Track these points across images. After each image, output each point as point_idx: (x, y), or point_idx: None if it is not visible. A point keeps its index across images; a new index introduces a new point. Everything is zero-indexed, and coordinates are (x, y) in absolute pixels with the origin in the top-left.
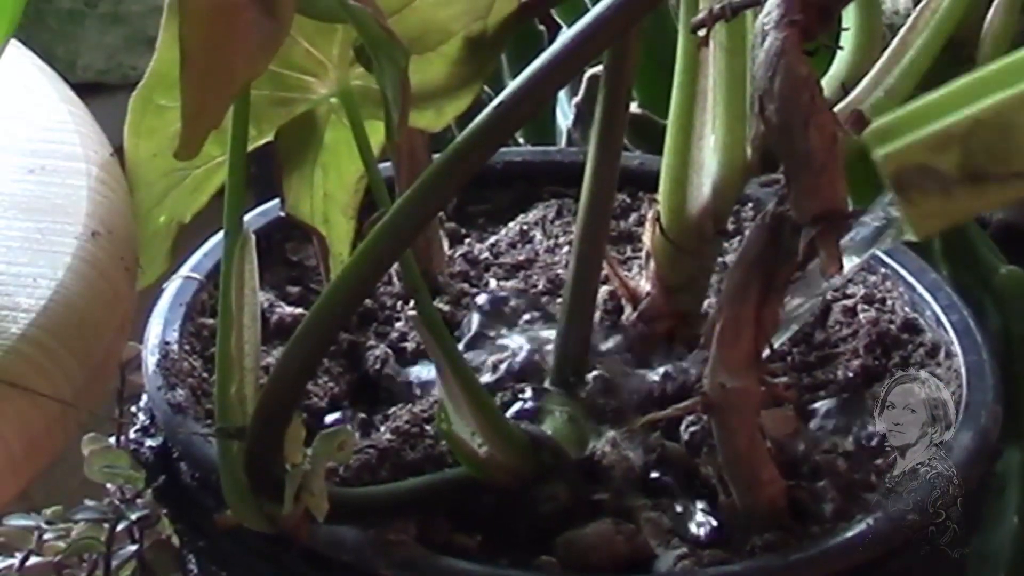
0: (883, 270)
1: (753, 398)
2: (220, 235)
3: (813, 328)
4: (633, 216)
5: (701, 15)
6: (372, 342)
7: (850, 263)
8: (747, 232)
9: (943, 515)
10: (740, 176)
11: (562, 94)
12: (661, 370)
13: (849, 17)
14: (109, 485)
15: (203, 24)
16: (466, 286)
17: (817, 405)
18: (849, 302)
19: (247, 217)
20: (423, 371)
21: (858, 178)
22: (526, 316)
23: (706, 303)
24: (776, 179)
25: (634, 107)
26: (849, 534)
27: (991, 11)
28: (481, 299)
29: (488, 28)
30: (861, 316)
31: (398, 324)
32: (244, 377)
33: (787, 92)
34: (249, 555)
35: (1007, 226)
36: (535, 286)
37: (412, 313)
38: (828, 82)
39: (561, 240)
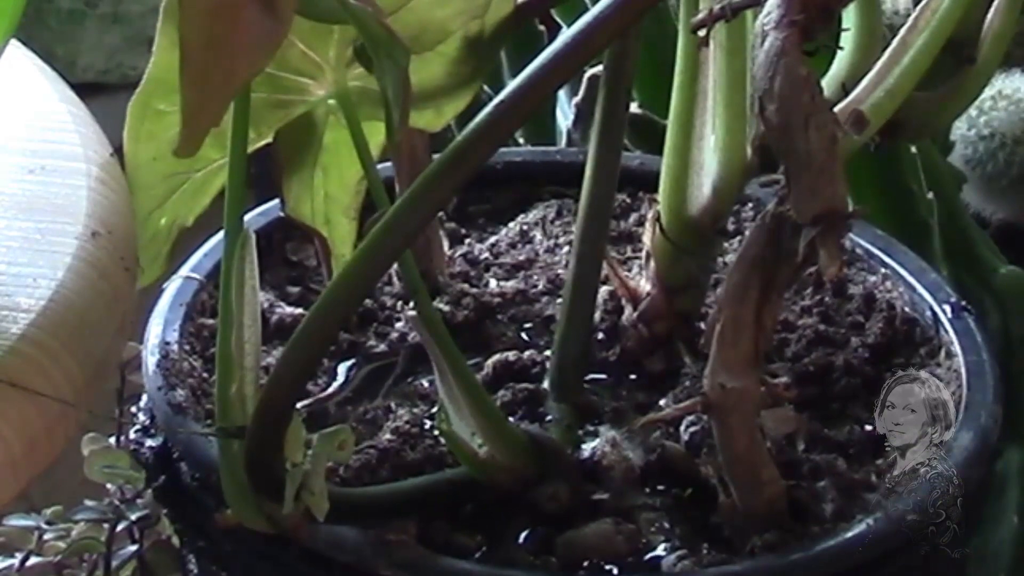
0: (883, 270)
1: (753, 398)
2: (220, 235)
3: (813, 328)
4: (633, 216)
5: (701, 15)
6: (372, 342)
7: None
8: (747, 232)
9: (943, 515)
10: (740, 176)
11: (562, 94)
12: None
13: (849, 17)
14: (109, 485)
15: (203, 22)
16: (466, 286)
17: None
18: (849, 302)
19: (247, 217)
20: None
21: (858, 178)
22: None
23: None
24: (776, 179)
25: (634, 107)
26: (849, 534)
27: (991, 11)
28: None
29: (486, 27)
30: (861, 316)
31: (398, 324)
32: (244, 377)
33: (787, 92)
34: (249, 555)
35: (1007, 226)
36: (535, 286)
37: (412, 313)
38: (828, 82)
39: (561, 240)
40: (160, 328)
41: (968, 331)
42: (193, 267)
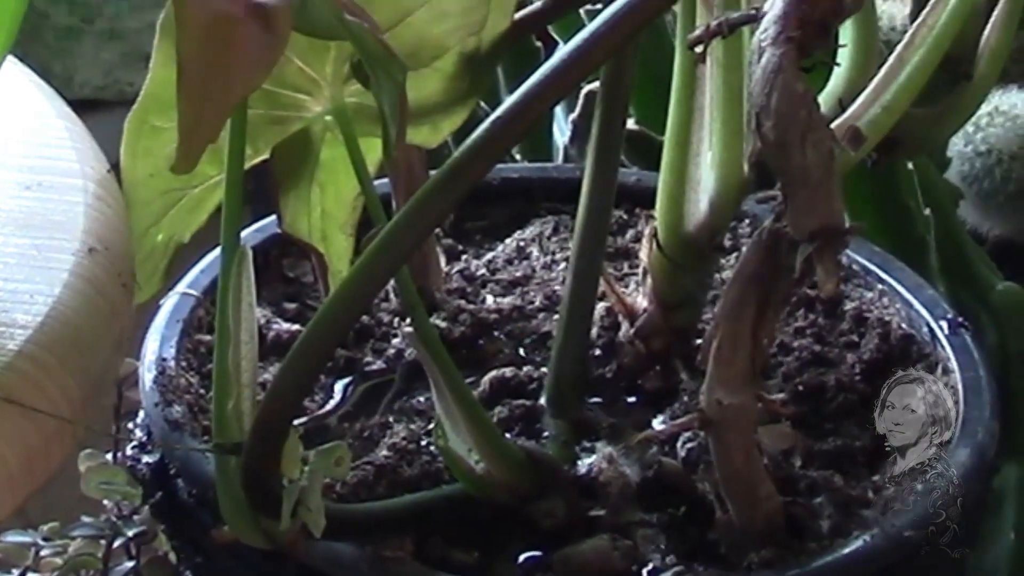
0: (880, 286)
1: (750, 414)
2: (217, 251)
3: (808, 349)
4: (630, 232)
5: (698, 31)
6: (369, 358)
7: None
8: (744, 248)
9: (940, 531)
10: (737, 192)
11: (559, 110)
12: None
13: (846, 33)
14: (106, 501)
15: (200, 39)
16: (463, 302)
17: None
18: (845, 319)
19: (244, 233)
20: None
21: (855, 194)
22: None
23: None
24: (773, 195)
25: (631, 123)
26: (846, 550)
27: (988, 28)
28: None
29: (482, 43)
30: (857, 334)
31: (395, 340)
32: (241, 393)
33: (784, 108)
34: (246, 571)
35: (1004, 242)
36: (532, 302)
37: (409, 330)
38: (825, 98)
39: (558, 256)
40: (157, 344)
41: (965, 347)
42: (190, 283)
